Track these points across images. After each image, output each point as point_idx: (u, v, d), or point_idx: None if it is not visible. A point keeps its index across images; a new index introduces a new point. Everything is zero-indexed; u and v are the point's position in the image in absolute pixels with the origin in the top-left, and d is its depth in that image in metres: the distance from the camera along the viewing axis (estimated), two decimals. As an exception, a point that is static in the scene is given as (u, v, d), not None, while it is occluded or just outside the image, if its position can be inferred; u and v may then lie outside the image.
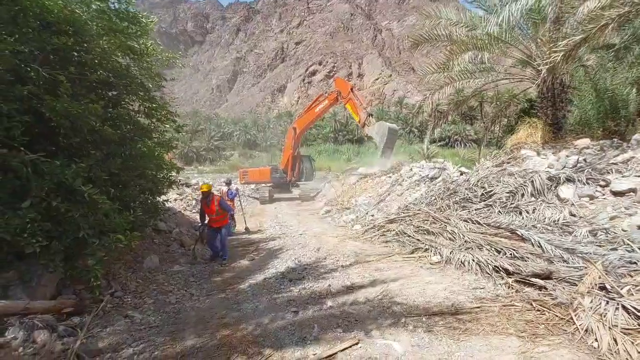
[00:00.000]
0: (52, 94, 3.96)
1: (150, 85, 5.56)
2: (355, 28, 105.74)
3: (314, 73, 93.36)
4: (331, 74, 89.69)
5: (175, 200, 11.06)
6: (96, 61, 4.46)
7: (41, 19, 4.04)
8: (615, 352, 2.46)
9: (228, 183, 9.92)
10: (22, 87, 3.65)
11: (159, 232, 7.14)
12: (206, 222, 6.49)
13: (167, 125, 5.80)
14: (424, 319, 3.20)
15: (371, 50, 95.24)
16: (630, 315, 2.72)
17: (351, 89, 14.02)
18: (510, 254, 4.30)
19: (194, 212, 11.17)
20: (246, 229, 9.37)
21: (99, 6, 4.55)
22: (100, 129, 4.40)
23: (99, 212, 3.93)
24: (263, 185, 17.35)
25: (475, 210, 6.17)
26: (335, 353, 2.74)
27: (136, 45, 4.73)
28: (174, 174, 6.30)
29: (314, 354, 2.77)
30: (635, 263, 3.50)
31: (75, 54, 4.26)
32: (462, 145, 32.85)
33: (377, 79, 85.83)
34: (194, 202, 12.34)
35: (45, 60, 4.13)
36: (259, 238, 8.42)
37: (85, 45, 4.34)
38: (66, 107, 3.81)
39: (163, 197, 6.27)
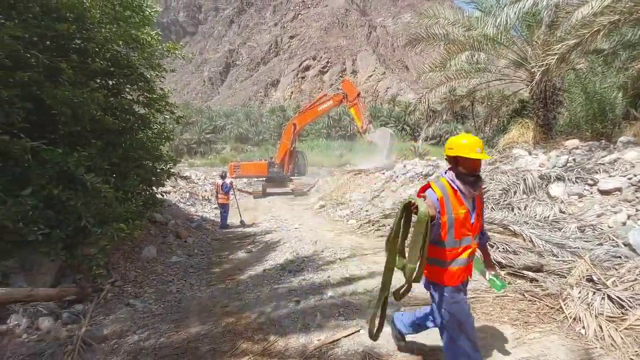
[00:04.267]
0: (52, 81, 3.93)
1: (149, 76, 5.54)
2: (350, 24, 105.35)
3: (307, 68, 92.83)
4: (325, 70, 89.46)
5: (170, 193, 10.99)
6: (97, 49, 4.42)
7: (42, 4, 3.97)
8: (600, 338, 2.63)
9: (223, 176, 9.90)
10: (22, 73, 3.60)
11: (155, 223, 7.13)
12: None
13: (167, 116, 5.79)
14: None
15: (365, 46, 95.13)
16: (614, 304, 2.90)
17: (358, 94, 14.32)
18: (503, 249, 4.46)
19: (187, 205, 11.15)
20: (241, 222, 9.41)
21: (101, -7, 4.50)
22: (101, 118, 4.38)
23: (101, 200, 3.94)
24: (256, 179, 17.36)
25: (469, 206, 6.34)
26: (339, 339, 2.85)
27: (140, 35, 4.69)
28: (170, 165, 6.31)
29: (318, 340, 2.87)
30: (619, 257, 3.71)
31: (77, 41, 4.21)
32: (454, 144, 33.20)
33: (370, 76, 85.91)
34: (187, 194, 12.31)
35: (46, 47, 4.08)
36: (254, 231, 8.47)
37: (87, 32, 4.30)
38: (67, 95, 3.78)
39: (161, 189, 6.24)
